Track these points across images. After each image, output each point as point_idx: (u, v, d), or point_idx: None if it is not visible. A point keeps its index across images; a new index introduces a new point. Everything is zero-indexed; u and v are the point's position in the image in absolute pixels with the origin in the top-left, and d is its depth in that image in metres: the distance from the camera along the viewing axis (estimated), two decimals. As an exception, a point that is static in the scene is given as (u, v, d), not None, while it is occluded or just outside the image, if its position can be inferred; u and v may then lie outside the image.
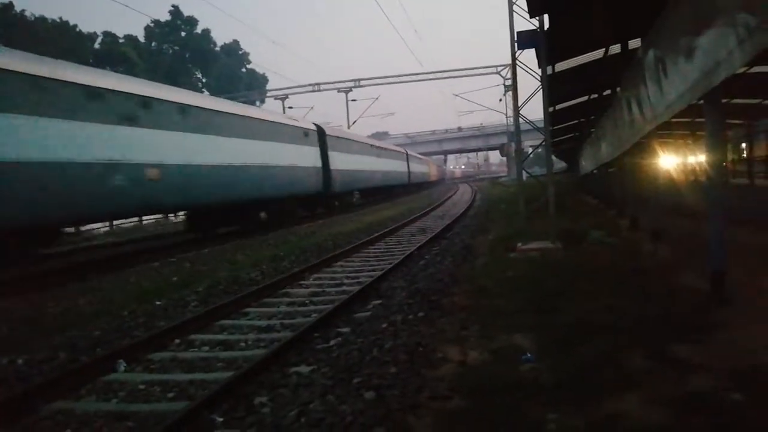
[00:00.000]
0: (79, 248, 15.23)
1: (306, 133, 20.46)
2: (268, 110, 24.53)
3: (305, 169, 19.84)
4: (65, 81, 9.55)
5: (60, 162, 9.24)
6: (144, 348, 5.05)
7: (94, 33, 46.25)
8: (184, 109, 12.86)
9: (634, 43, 8.83)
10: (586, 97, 13.84)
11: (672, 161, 12.41)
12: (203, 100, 16.10)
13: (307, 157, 20.15)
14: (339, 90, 42.39)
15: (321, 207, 22.64)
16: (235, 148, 14.85)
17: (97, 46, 45.50)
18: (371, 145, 30.32)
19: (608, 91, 12.01)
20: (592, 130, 16.03)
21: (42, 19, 40.33)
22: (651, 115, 6.34)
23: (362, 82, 41.69)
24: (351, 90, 42.19)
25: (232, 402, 3.80)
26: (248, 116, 16.62)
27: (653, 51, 5.70)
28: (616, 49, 9.51)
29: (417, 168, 43.84)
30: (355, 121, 43.17)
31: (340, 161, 23.34)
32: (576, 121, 17.70)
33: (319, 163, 21.13)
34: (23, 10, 39.70)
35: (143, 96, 11.54)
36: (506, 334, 4.66)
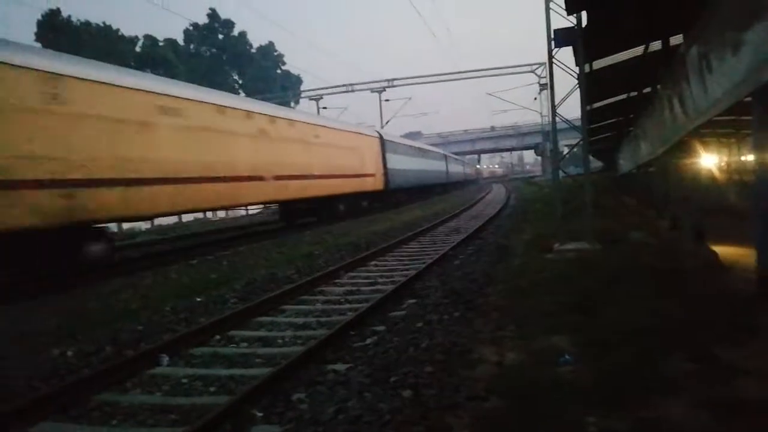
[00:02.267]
0: (123, 245, 15.72)
1: (442, 156, 43.28)
2: (434, 147, 44.48)
3: (441, 172, 41.26)
4: (419, 148, 34.24)
5: (420, 170, 32.28)
6: (186, 343, 5.19)
7: (136, 36, 47.70)
8: (426, 151, 35.44)
9: (676, 40, 8.61)
10: (624, 95, 13.56)
11: (714, 160, 12.02)
12: (431, 147, 39.97)
13: (441, 166, 41.81)
14: (372, 90, 42.45)
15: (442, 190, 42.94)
16: (434, 163, 37.94)
17: (138, 49, 46.86)
18: (456, 159, 54.11)
19: (648, 89, 11.74)
20: (631, 128, 15.66)
21: (86, 24, 41.74)
22: (693, 112, 6.17)
23: (395, 82, 41.66)
24: (384, 90, 42.20)
25: (271, 397, 3.87)
26: (434, 151, 40.53)
27: (697, 47, 5.54)
28: (656, 45, 9.28)
29: (468, 170, 66.42)
30: (388, 121, 43.27)
31: (449, 168, 45.76)
32: (614, 120, 17.34)
33: (444, 169, 43.03)
34: (69, 16, 41.24)
35: (426, 149, 36.18)
36: (543, 335, 4.61)
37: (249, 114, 14.13)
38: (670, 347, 3.97)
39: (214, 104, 12.71)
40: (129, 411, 3.89)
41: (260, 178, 14.09)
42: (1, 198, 7.64)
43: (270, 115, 15.31)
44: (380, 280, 8.09)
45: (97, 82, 9.38)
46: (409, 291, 7.10)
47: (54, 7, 39.77)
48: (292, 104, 49.31)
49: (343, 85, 42.35)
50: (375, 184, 23.15)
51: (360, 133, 23.21)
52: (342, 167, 19.68)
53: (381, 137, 25.03)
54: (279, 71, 58.45)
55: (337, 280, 8.19)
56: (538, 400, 3.36)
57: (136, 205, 10.02)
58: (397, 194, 27.00)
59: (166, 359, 4.82)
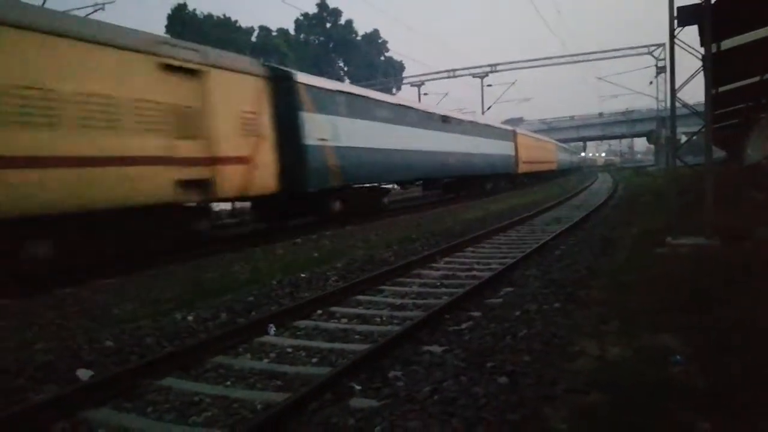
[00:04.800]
0: (233, 223, 16.84)
1: (571, 152, 61.74)
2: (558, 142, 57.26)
3: (571, 162, 59.93)
4: (566, 148, 60.11)
5: (566, 161, 56.92)
6: (291, 315, 5.50)
7: (251, 27, 50.60)
8: (566, 149, 58.59)
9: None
10: (756, 78, 12.30)
11: None
12: (568, 147, 61.90)
13: (571, 158, 60.13)
14: (474, 75, 41.69)
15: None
16: (568, 156, 58.08)
17: (253, 39, 49.59)
18: (572, 152, 63.75)
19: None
20: (762, 115, 14.19)
21: (209, 17, 44.86)
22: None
23: (498, 67, 40.62)
24: (487, 75, 41.30)
25: (369, 372, 4.00)
26: (571, 149, 64.32)
27: None
28: (800, 21, 8.30)
29: (578, 159, 74.89)
30: (489, 107, 42.42)
31: (572, 159, 60.03)
32: (741, 105, 15.79)
33: (570, 159, 58.92)
34: (194, 9, 44.59)
35: (567, 149, 61.15)
36: (651, 332, 4.35)
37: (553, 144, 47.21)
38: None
39: (554, 143, 48.52)
40: (240, 374, 4.22)
41: (545, 162, 39.89)
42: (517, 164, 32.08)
43: (546, 141, 43.95)
44: (476, 266, 8.04)
45: (543, 140, 42.76)
46: (506, 279, 7.00)
47: (181, 2, 43.13)
48: (394, 90, 49.70)
49: (445, 71, 41.98)
50: (553, 167, 45.02)
51: (550, 141, 46.59)
52: (551, 159, 44.16)
53: (556, 144, 49.17)
54: (382, 58, 59.27)
55: (433, 264, 8.25)
56: (645, 400, 3.20)
57: (536, 168, 37.28)
58: (560, 173, 49.43)
59: (273, 329, 5.14)
